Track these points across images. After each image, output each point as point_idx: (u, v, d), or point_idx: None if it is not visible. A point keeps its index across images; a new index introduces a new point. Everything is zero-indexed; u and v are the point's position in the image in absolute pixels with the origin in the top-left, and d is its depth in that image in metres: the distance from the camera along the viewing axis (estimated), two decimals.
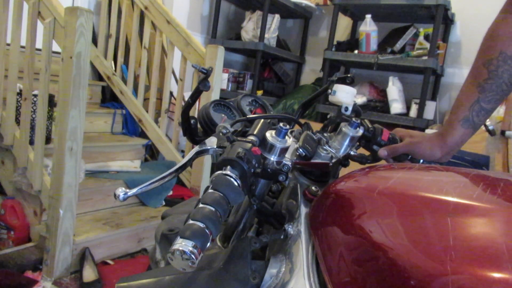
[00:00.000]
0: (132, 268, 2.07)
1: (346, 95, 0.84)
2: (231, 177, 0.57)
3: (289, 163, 0.65)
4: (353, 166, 0.76)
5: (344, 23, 3.65)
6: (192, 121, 0.78)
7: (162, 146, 2.69)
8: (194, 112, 2.30)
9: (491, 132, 2.39)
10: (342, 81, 0.87)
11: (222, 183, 0.56)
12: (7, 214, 2.07)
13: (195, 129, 0.80)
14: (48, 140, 2.10)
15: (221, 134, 0.68)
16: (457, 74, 3.27)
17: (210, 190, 0.55)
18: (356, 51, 3.22)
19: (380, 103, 3.23)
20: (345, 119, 0.81)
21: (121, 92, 2.83)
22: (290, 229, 0.66)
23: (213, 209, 0.52)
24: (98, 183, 2.33)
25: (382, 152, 0.82)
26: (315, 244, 0.60)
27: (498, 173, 0.72)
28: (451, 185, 0.56)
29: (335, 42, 3.34)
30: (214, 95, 2.37)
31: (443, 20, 3.04)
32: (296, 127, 0.83)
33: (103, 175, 2.43)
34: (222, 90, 2.84)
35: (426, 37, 3.07)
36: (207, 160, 2.43)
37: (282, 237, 0.67)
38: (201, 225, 0.50)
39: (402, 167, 0.70)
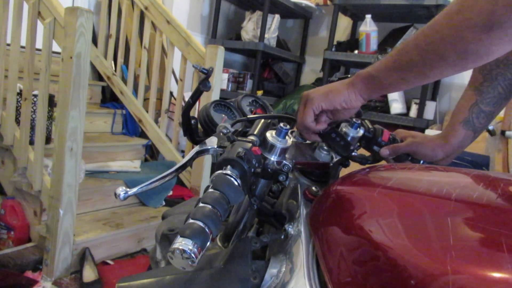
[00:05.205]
0: (132, 268, 2.07)
1: None
2: (231, 176, 0.57)
3: (289, 163, 0.65)
4: (354, 166, 0.76)
5: (344, 23, 3.65)
6: (192, 121, 0.78)
7: (162, 146, 2.69)
8: (195, 112, 2.29)
9: (491, 132, 2.39)
10: None
11: (222, 182, 0.56)
12: (7, 214, 2.07)
13: (195, 129, 0.80)
14: (48, 140, 2.10)
15: (221, 134, 0.68)
16: (457, 74, 3.26)
17: (210, 190, 0.55)
18: (356, 51, 3.22)
19: (380, 103, 3.22)
20: (345, 119, 0.81)
21: (121, 92, 2.83)
22: (290, 229, 0.66)
23: (213, 208, 0.52)
24: (98, 183, 2.33)
25: (384, 151, 0.82)
26: (316, 244, 0.60)
27: (498, 173, 0.73)
28: (451, 185, 0.56)
29: (335, 42, 3.33)
30: (214, 95, 2.37)
31: None
32: None
33: (103, 175, 2.43)
34: (222, 90, 2.84)
35: None
36: (207, 160, 2.42)
37: (282, 237, 0.67)
38: (201, 224, 0.50)
39: (402, 167, 0.70)
